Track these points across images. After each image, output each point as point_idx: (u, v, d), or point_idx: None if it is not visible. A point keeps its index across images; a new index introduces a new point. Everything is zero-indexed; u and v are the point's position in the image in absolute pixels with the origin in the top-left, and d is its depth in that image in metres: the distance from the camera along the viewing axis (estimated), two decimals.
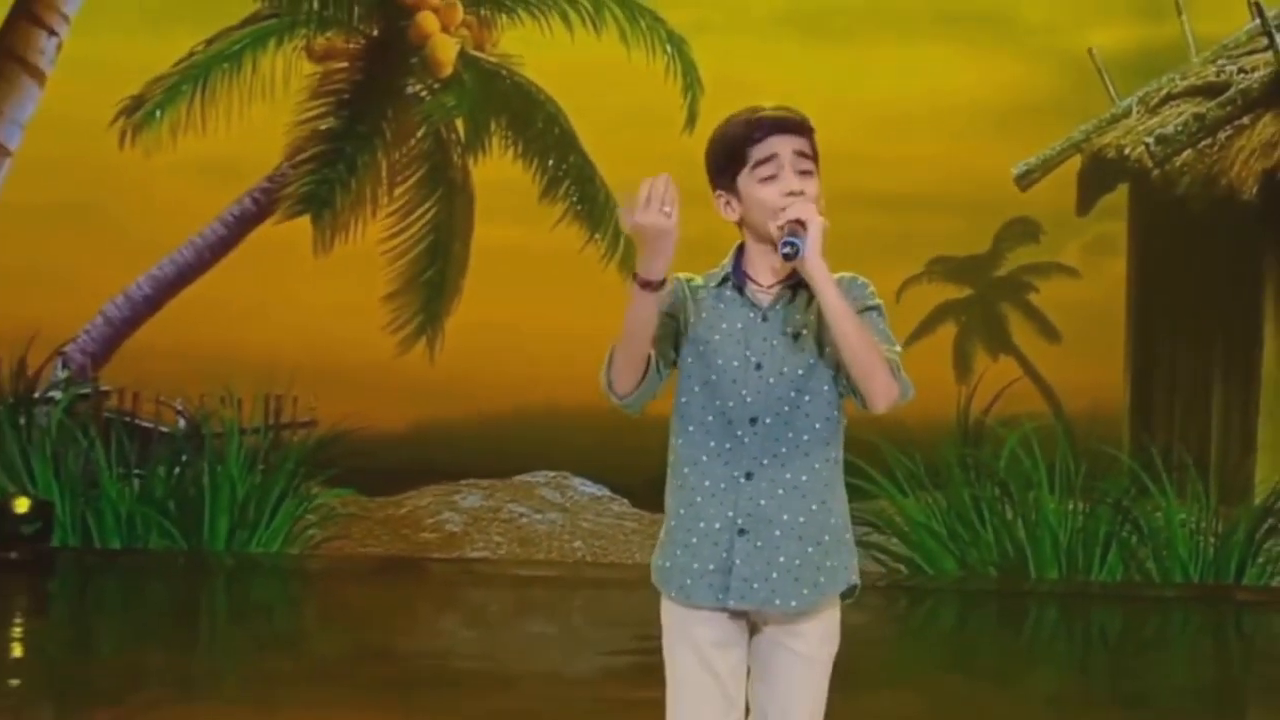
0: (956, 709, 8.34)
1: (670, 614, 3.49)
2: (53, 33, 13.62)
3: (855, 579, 3.53)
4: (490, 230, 13.58)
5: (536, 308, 12.66)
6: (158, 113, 13.54)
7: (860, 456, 12.29)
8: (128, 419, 13.39)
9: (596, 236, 13.40)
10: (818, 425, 3.43)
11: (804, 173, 3.46)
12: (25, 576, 12.25)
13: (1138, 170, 13.12)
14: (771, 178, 3.42)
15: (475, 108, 13.71)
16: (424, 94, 13.81)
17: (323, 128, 13.79)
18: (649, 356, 3.40)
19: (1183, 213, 13.04)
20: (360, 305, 13.39)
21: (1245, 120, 12.94)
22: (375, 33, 13.85)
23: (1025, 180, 13.35)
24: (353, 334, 13.31)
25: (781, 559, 3.39)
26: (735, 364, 3.42)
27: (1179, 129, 13.00)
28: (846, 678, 9.30)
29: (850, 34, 13.45)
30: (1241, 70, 13.10)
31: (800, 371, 3.42)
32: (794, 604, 3.41)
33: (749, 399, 3.41)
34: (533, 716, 7.79)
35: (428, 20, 13.60)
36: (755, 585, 3.39)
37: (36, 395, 13.32)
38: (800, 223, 3.35)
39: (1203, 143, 12.99)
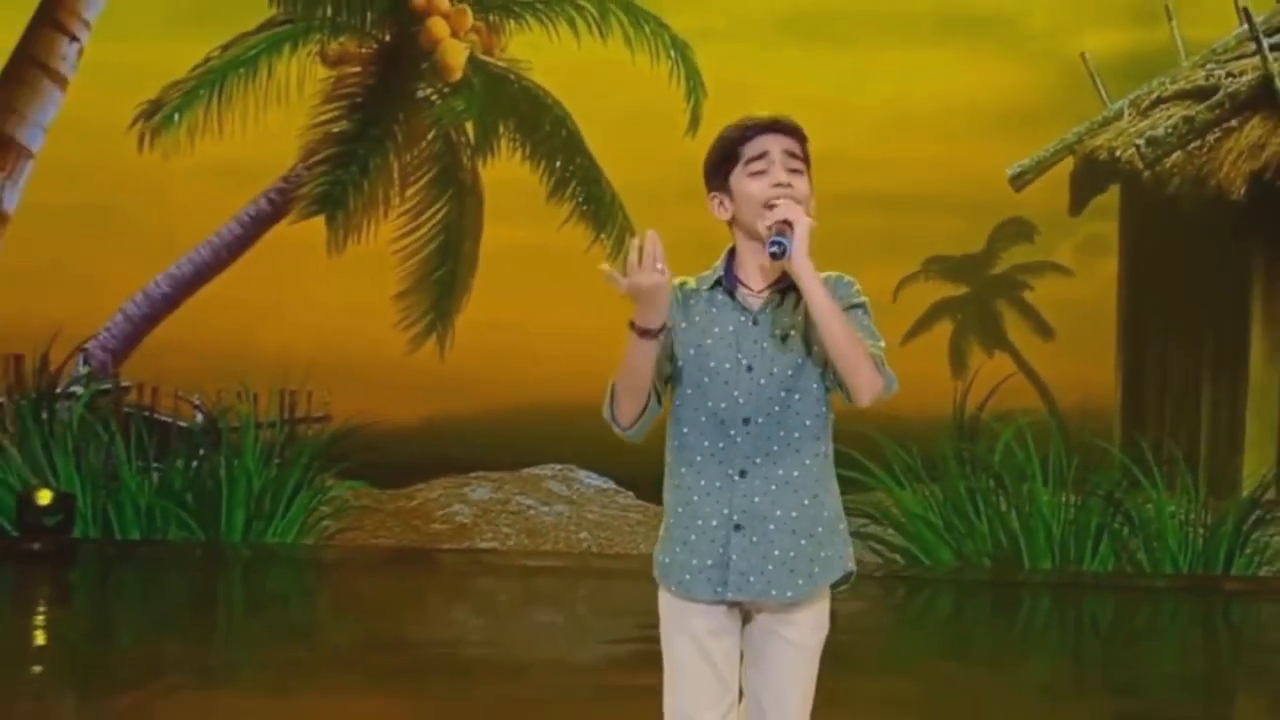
0: (952, 695, 8.33)
1: (668, 605, 3.54)
2: (74, 39, 13.63)
3: (851, 566, 3.58)
4: (499, 230, 13.58)
5: (544, 306, 12.65)
6: (176, 116, 13.55)
7: (858, 450, 12.32)
8: (147, 414, 13.40)
9: (602, 236, 13.40)
10: (808, 422, 3.47)
11: (793, 170, 3.49)
12: (48, 567, 12.26)
13: (1129, 172, 13.11)
14: (761, 173, 3.46)
15: (484, 111, 13.71)
16: (434, 98, 13.82)
17: (336, 130, 13.80)
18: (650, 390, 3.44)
19: (1173, 213, 13.03)
20: (372, 303, 13.39)
21: (1234, 123, 12.93)
22: (387, 38, 13.85)
23: (1019, 181, 13.34)
24: (365, 331, 13.32)
25: (776, 552, 3.44)
26: (727, 366, 3.46)
27: (1169, 131, 12.99)
28: (846, 664, 9.30)
29: (849, 39, 13.44)
30: (1230, 74, 13.08)
31: (790, 372, 3.45)
32: (789, 595, 3.46)
33: (741, 400, 3.45)
34: (540, 703, 7.78)
35: (438, 26, 13.60)
36: (752, 578, 3.44)
37: (59, 391, 13.34)
38: (787, 223, 3.37)
39: (1192, 145, 12.98)
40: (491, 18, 13.77)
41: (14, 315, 13.10)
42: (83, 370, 13.48)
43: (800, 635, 3.51)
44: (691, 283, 3.55)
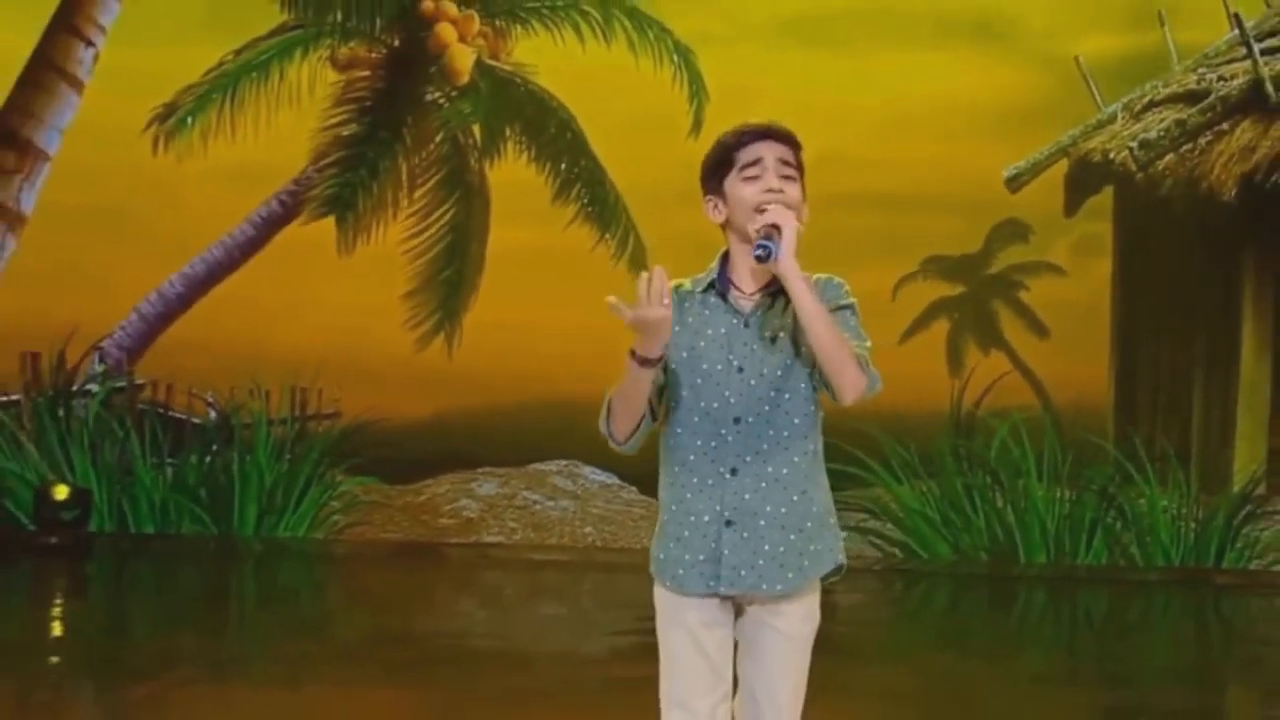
0: (948, 686, 8.34)
1: (663, 598, 3.57)
2: (90, 44, 13.65)
3: (841, 560, 3.63)
4: (506, 231, 13.59)
5: (550, 305, 12.65)
6: (189, 120, 13.57)
7: (858, 446, 12.35)
8: (161, 411, 13.41)
9: (607, 236, 13.41)
10: (796, 421, 3.51)
11: (786, 177, 3.50)
12: (64, 560, 12.29)
13: (1122, 173, 13.11)
14: (755, 178, 3.48)
15: (491, 114, 13.72)
16: (442, 101, 13.83)
17: (346, 133, 13.82)
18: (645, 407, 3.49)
19: (1165, 214, 13.03)
20: (381, 303, 13.42)
21: (1225, 126, 12.92)
22: (396, 43, 13.87)
23: (1015, 183, 13.35)
24: (374, 330, 13.34)
25: (766, 547, 3.48)
26: (719, 368, 3.49)
27: (1161, 134, 12.99)
28: (845, 655, 9.30)
29: (849, 43, 13.43)
30: (1221, 78, 13.07)
31: (779, 372, 3.48)
32: (780, 588, 3.50)
33: (732, 400, 3.48)
34: (545, 694, 7.79)
35: (446, 31, 13.62)
36: (743, 573, 3.48)
37: (75, 388, 13.36)
38: (776, 227, 3.40)
39: (1184, 147, 12.97)
40: (498, 23, 13.78)
41: (31, 314, 13.12)
42: (98, 368, 13.50)
43: (791, 626, 3.54)
44: (686, 285, 3.57)
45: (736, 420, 3.48)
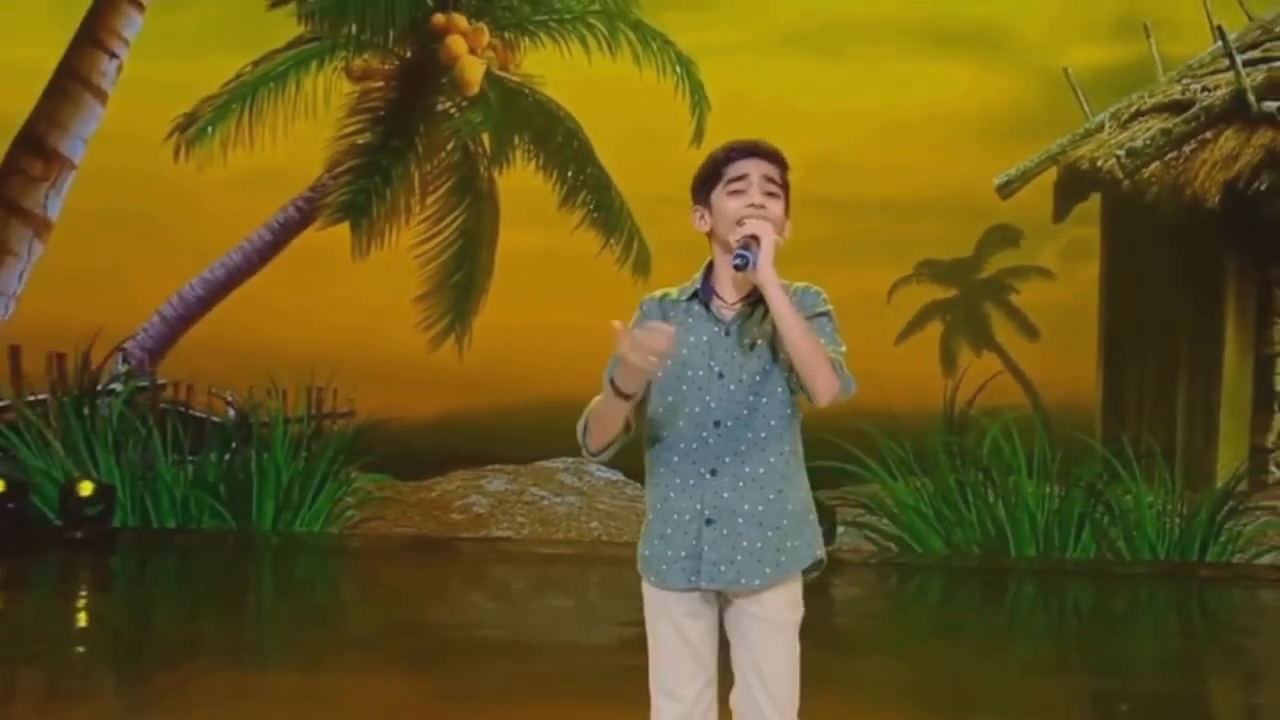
0: (942, 674, 8.35)
1: (649, 592, 3.66)
2: (114, 56, 13.67)
3: (820, 555, 3.68)
4: (514, 236, 13.60)
5: (557, 307, 12.66)
6: (209, 129, 13.58)
7: (855, 444, 12.37)
8: (182, 410, 13.43)
9: (612, 241, 13.42)
10: (773, 423, 3.56)
11: (769, 194, 3.57)
12: (89, 554, 12.30)
13: (1109, 181, 13.10)
14: (739, 192, 3.56)
15: (500, 123, 13.73)
16: (453, 111, 13.84)
17: (360, 142, 13.82)
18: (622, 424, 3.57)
19: (1151, 220, 13.02)
20: (394, 305, 13.41)
21: (1208, 135, 12.92)
22: (408, 55, 13.87)
23: (1006, 190, 13.34)
24: (388, 332, 13.34)
25: (745, 543, 3.54)
26: (701, 373, 3.56)
27: (1147, 143, 12.99)
28: (843, 646, 9.34)
29: (846, 53, 13.42)
30: (1205, 89, 13.07)
31: (757, 378, 3.54)
32: (757, 582, 3.56)
33: (713, 404, 3.55)
34: (552, 682, 7.81)
35: (456, 43, 13.63)
36: (723, 568, 3.55)
37: (99, 388, 13.37)
38: (755, 238, 3.46)
39: (1169, 155, 12.98)
40: (507, 35, 13.79)
41: (57, 316, 13.14)
42: (122, 368, 13.51)
43: (772, 613, 3.59)
44: (673, 293, 3.65)
45: (717, 423, 3.55)
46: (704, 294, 3.61)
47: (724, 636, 3.67)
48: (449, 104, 13.84)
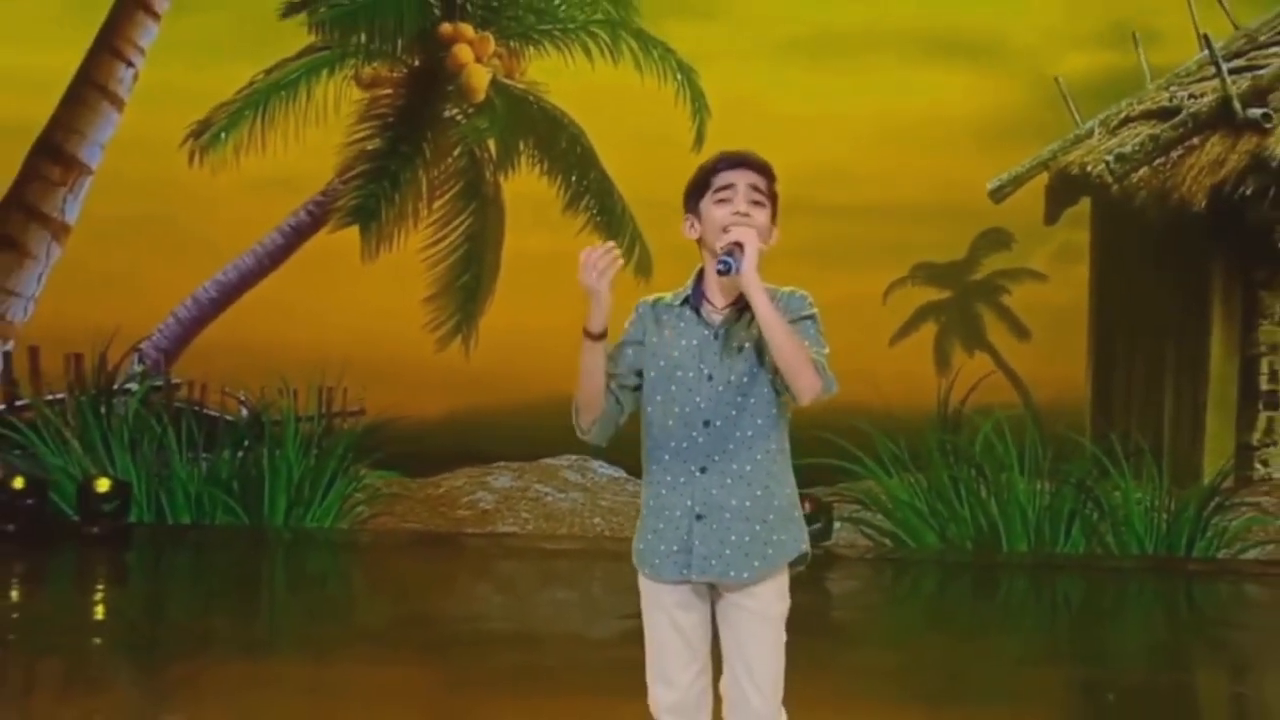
0: (936, 665, 8.36)
1: (644, 585, 3.74)
2: (130, 64, 13.68)
3: (805, 549, 3.74)
4: (519, 239, 13.61)
5: (561, 309, 12.59)
6: (223, 135, 13.59)
7: (851, 441, 12.39)
8: (196, 408, 13.43)
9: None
10: (760, 422, 3.63)
11: (755, 202, 3.64)
12: (106, 549, 12.29)
13: (1099, 185, 13.10)
14: (726, 201, 3.63)
15: (505, 129, 13.74)
16: (460, 117, 13.85)
17: (369, 148, 13.83)
18: (605, 395, 3.65)
19: (1139, 223, 13.02)
20: (403, 307, 13.41)
21: (1195, 141, 12.91)
22: (416, 63, 13.88)
23: (998, 194, 13.35)
24: (396, 332, 13.34)
25: (733, 538, 3.61)
26: (691, 375, 3.63)
27: (1136, 148, 13.00)
28: (840, 638, 9.35)
29: (844, 60, 13.41)
30: (1191, 96, 13.08)
31: (745, 379, 3.61)
32: (745, 575, 3.63)
33: (702, 405, 3.62)
34: (556, 672, 7.83)
35: (463, 51, 13.64)
36: (712, 561, 3.62)
37: (115, 387, 13.38)
38: (739, 244, 3.53)
39: (1157, 161, 12.97)
40: (512, 44, 13.81)
41: (75, 318, 13.15)
42: (137, 368, 13.51)
43: (761, 605, 3.66)
44: (666, 298, 3.73)
45: (706, 423, 3.61)
46: (694, 299, 3.68)
47: (716, 627, 3.73)
48: (456, 111, 13.85)
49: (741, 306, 3.61)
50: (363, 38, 13.77)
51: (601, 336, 3.57)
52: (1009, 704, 7.36)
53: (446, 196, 13.80)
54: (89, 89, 13.64)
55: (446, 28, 13.71)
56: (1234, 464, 12.85)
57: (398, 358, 13.28)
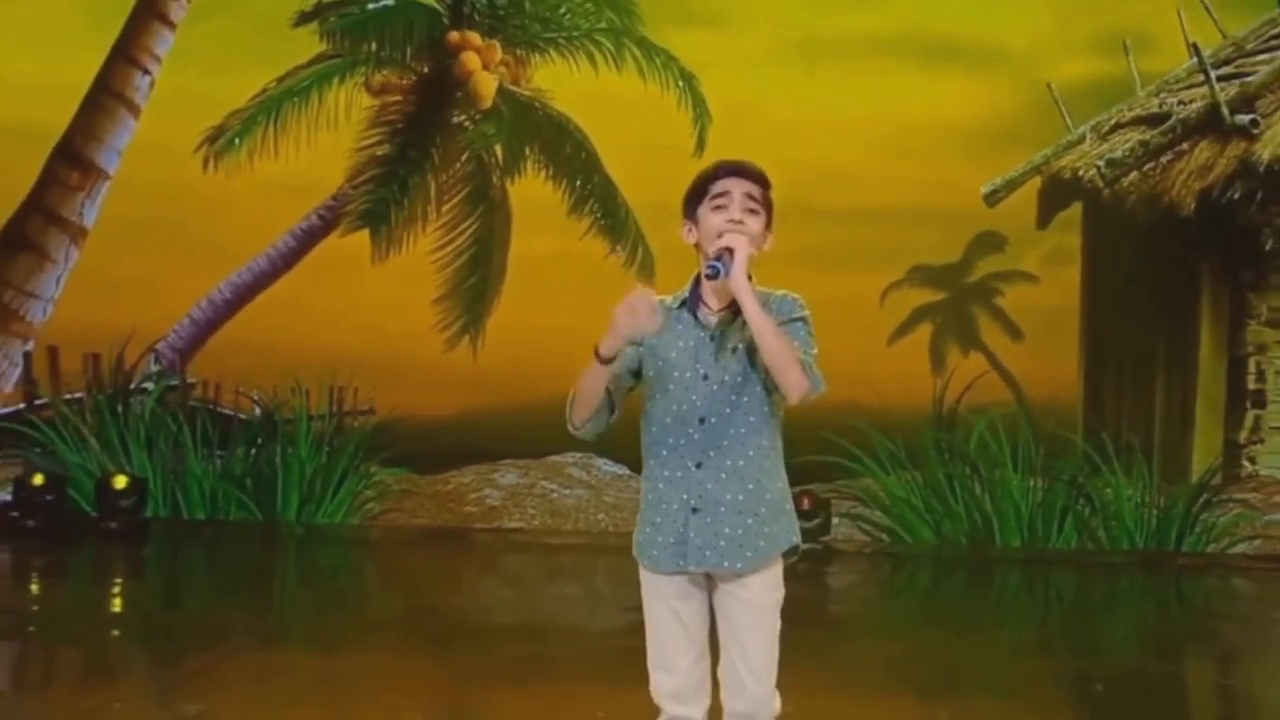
0: (932, 656, 8.38)
1: (644, 576, 3.80)
2: (146, 72, 13.70)
3: (796, 541, 3.80)
4: (525, 242, 13.61)
5: (566, 310, 12.63)
6: (237, 140, 13.61)
7: (849, 440, 12.40)
8: (211, 407, 13.44)
9: (618, 247, 13.44)
10: (752, 419, 3.69)
11: (750, 210, 3.70)
12: (123, 544, 12.31)
13: (1090, 190, 13.10)
14: (721, 208, 3.69)
15: (512, 135, 13.75)
16: (467, 123, 13.86)
17: (379, 153, 13.85)
18: (603, 398, 3.70)
19: (1130, 227, 13.02)
20: (412, 308, 13.42)
21: (1184, 146, 12.92)
22: (425, 70, 13.90)
23: (992, 198, 13.35)
24: (406, 333, 13.35)
25: (726, 530, 3.67)
26: (688, 375, 3.69)
27: (1126, 154, 13.00)
28: (839, 630, 9.36)
29: (842, 68, 13.42)
30: (1181, 102, 13.09)
31: (739, 379, 3.67)
32: (739, 565, 3.69)
33: (698, 403, 3.68)
34: (560, 662, 7.84)
35: (470, 59, 13.66)
36: (707, 552, 3.68)
37: (132, 387, 13.39)
38: (729, 250, 3.60)
39: (1147, 166, 12.98)
40: (519, 52, 13.82)
41: (92, 319, 13.17)
42: (154, 368, 13.53)
43: (754, 595, 3.71)
44: (666, 300, 3.75)
45: (701, 420, 3.67)
46: (691, 303, 3.74)
47: (713, 615, 3.78)
48: (463, 117, 13.86)
49: (736, 309, 3.66)
50: (373, 46, 13.78)
51: (610, 362, 3.62)
52: (1002, 694, 7.38)
53: (454, 200, 13.81)
54: (107, 96, 13.66)
55: (454, 36, 13.73)
56: (1222, 461, 12.85)
57: (407, 358, 13.29)
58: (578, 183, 13.62)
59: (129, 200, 13.49)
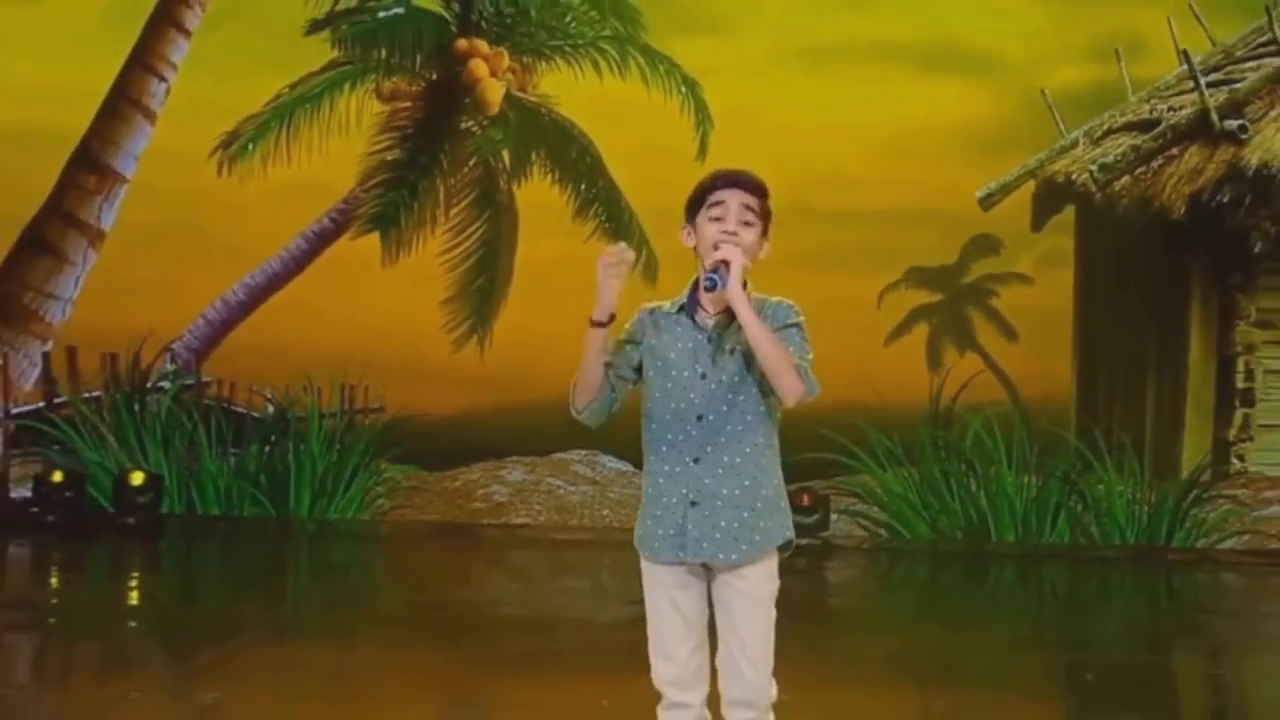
0: (928, 649, 8.39)
1: (645, 567, 3.86)
2: (162, 79, 13.72)
3: (790, 536, 3.85)
4: (532, 245, 13.62)
5: (571, 311, 12.57)
6: (250, 146, 13.63)
7: (848, 438, 12.41)
8: (225, 405, 13.45)
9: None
10: (749, 418, 3.75)
11: (746, 222, 3.75)
12: (140, 539, 12.33)
13: (1083, 193, 13.11)
14: (718, 218, 3.74)
15: (519, 141, 13.76)
16: (475, 129, 13.87)
17: (389, 158, 13.86)
18: (603, 381, 3.77)
19: (1121, 230, 13.02)
20: (421, 309, 13.43)
21: (1174, 151, 12.91)
22: (434, 77, 13.91)
23: (987, 202, 13.35)
24: (415, 333, 13.35)
25: (723, 523, 3.73)
26: (686, 374, 3.75)
27: (1118, 158, 13.01)
28: (837, 623, 9.37)
29: (841, 74, 13.42)
30: (1171, 108, 13.09)
31: (736, 378, 3.73)
32: (734, 557, 3.74)
33: (696, 401, 3.74)
34: (566, 654, 7.87)
35: (478, 66, 13.68)
36: (704, 544, 3.74)
37: (149, 385, 13.39)
38: (725, 262, 3.65)
39: (1138, 170, 12.98)
40: (525, 59, 13.84)
41: (110, 319, 13.19)
42: (169, 368, 13.54)
43: (751, 586, 3.77)
44: (664, 306, 3.85)
45: (700, 418, 3.73)
46: (689, 307, 3.80)
47: (712, 607, 3.84)
48: (471, 123, 13.88)
49: (732, 314, 3.71)
50: (383, 53, 13.80)
51: (603, 325, 3.70)
52: (997, 685, 7.39)
53: (462, 204, 13.83)
54: (124, 103, 13.68)
55: (463, 44, 13.75)
56: (1211, 458, 12.84)
57: (416, 357, 13.30)
58: (583, 187, 13.64)
59: (146, 204, 13.51)
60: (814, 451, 12.00)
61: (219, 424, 13.22)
